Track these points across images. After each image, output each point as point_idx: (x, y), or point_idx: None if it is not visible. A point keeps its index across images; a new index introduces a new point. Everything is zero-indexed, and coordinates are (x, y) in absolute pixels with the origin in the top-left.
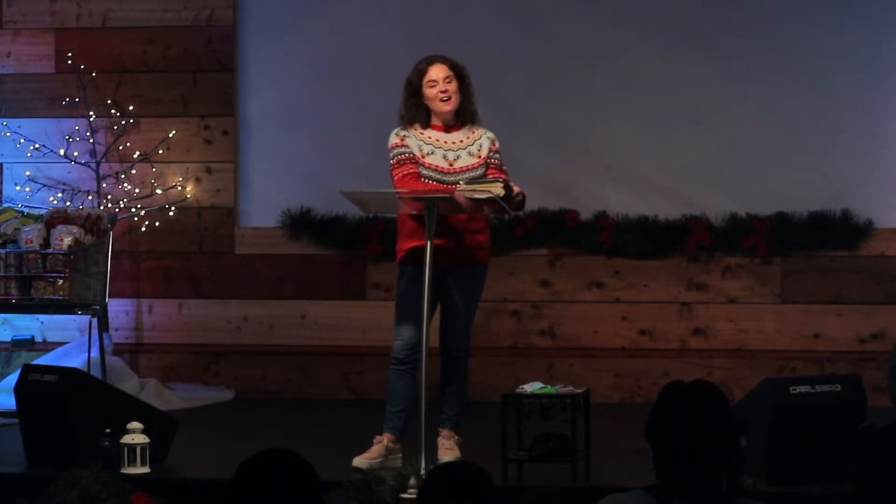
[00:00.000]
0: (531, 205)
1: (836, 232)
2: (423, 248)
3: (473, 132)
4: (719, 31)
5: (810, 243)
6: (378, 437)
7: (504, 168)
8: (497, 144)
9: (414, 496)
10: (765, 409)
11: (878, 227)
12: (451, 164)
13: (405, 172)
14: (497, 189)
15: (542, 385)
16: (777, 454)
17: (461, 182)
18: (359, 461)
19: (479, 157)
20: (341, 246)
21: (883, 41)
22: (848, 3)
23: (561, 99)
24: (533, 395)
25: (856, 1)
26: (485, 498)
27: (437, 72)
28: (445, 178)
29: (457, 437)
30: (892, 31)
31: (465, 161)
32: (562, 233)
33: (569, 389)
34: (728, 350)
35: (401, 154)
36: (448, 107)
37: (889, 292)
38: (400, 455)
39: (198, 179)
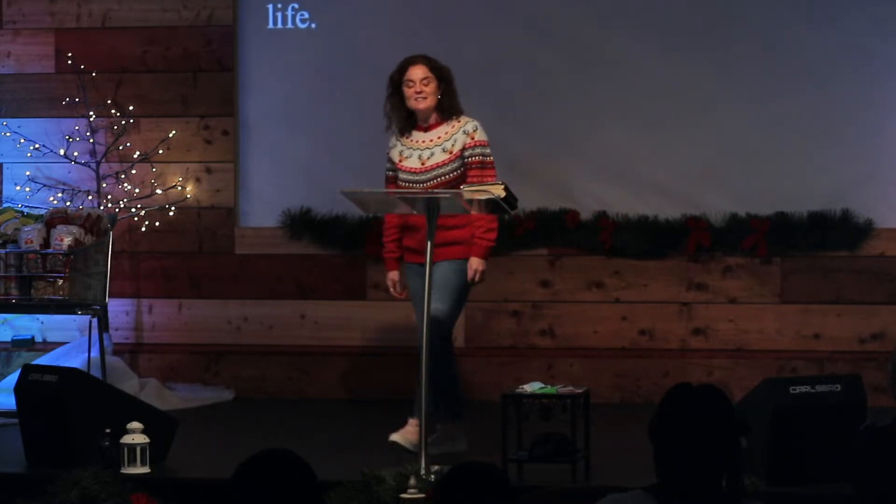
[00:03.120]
0: (531, 205)
1: (836, 232)
2: (407, 245)
3: (454, 126)
4: (719, 31)
5: (810, 243)
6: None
7: (488, 161)
8: (478, 135)
9: (414, 496)
10: (765, 409)
11: (878, 227)
12: (423, 164)
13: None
14: (497, 190)
15: (542, 385)
16: (777, 454)
17: (433, 182)
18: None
19: (451, 153)
20: (341, 246)
21: (883, 41)
22: (848, 2)
23: (561, 99)
24: (533, 395)
25: (856, 0)
26: (501, 498)
27: (415, 72)
28: (418, 178)
29: (415, 427)
30: (893, 30)
31: (437, 158)
32: (562, 233)
33: (569, 389)
34: (728, 350)
35: (386, 171)
36: (422, 105)
37: (889, 292)
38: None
39: (198, 179)
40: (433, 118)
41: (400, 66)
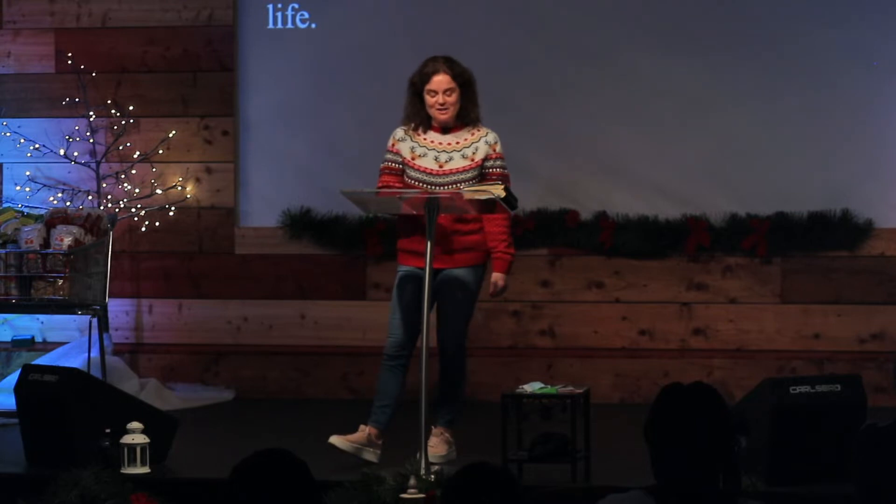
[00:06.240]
0: (531, 205)
1: (836, 232)
2: (413, 248)
3: (473, 133)
4: (719, 31)
5: (810, 243)
6: (363, 426)
7: (506, 175)
8: (499, 148)
9: (414, 496)
10: (765, 409)
11: (878, 227)
12: (440, 166)
13: (380, 185)
14: (497, 190)
15: (542, 385)
16: (777, 454)
17: (449, 187)
18: (335, 439)
19: (472, 160)
20: (341, 246)
21: (883, 41)
22: (848, 2)
23: (561, 99)
24: (533, 395)
25: (857, 1)
26: (510, 499)
27: (439, 82)
28: (434, 180)
29: (446, 435)
30: (893, 30)
31: (456, 163)
32: (562, 233)
33: (569, 389)
34: (728, 350)
35: (388, 162)
36: (443, 117)
37: (889, 292)
38: (379, 451)
39: (198, 179)
40: (453, 122)
41: (422, 73)
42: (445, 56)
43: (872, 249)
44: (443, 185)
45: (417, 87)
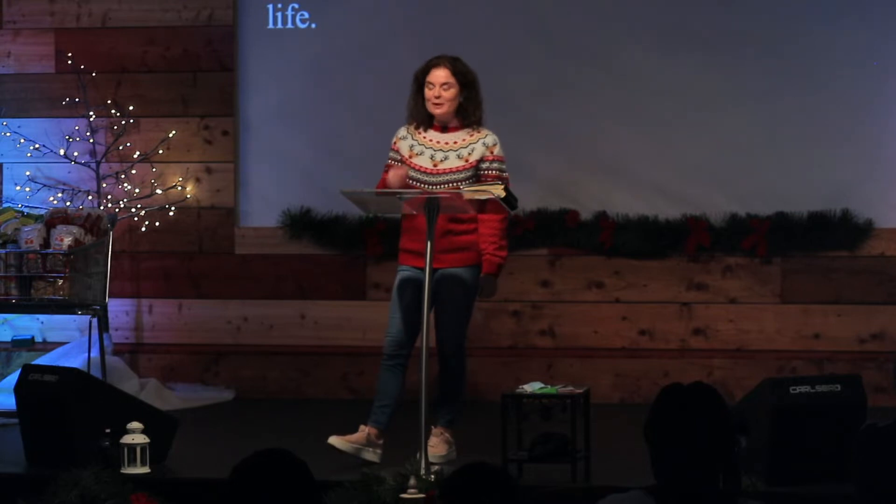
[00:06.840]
0: (531, 205)
1: (836, 232)
2: (412, 248)
3: (472, 135)
4: (719, 31)
5: (810, 243)
6: (363, 426)
7: (504, 177)
8: (497, 150)
9: (414, 496)
10: (765, 409)
11: (878, 227)
12: (435, 165)
13: (381, 181)
14: (497, 190)
15: (542, 385)
16: (777, 454)
17: (443, 186)
18: (334, 439)
19: (467, 161)
20: (341, 246)
21: (883, 41)
22: (848, 2)
23: (561, 99)
24: (533, 395)
25: (856, 1)
26: (508, 499)
27: (437, 76)
28: (428, 179)
29: (446, 435)
30: (893, 30)
31: (451, 163)
32: (562, 233)
33: (569, 389)
34: (728, 350)
35: (390, 159)
36: (438, 111)
37: (889, 292)
38: (379, 451)
39: (198, 179)
40: (453, 121)
41: (425, 66)
42: (452, 55)
43: (872, 249)
44: (436, 184)
45: (419, 81)
